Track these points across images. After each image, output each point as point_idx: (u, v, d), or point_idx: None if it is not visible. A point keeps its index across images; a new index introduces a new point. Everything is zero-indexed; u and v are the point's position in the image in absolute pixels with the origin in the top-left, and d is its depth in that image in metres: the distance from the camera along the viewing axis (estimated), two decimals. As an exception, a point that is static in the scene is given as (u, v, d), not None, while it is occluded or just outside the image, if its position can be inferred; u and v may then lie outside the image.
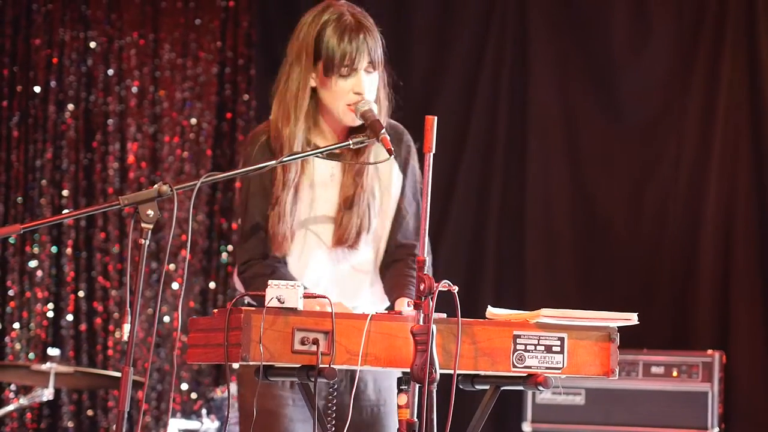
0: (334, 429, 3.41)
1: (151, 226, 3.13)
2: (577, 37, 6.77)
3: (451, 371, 3.06)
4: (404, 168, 3.77)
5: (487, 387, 3.31)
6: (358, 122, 3.59)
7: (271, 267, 3.60)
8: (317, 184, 3.66)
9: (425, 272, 3.02)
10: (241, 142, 3.81)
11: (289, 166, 3.62)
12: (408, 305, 3.45)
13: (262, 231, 3.64)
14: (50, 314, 7.33)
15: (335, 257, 3.67)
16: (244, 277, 3.65)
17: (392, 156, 3.46)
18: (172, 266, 7.35)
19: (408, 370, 3.00)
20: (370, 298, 3.69)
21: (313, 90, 3.65)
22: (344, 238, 3.65)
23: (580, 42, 6.76)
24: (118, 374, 5.80)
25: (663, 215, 6.55)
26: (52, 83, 7.43)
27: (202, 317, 3.29)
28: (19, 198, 7.38)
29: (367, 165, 3.65)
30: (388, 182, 3.73)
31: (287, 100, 3.63)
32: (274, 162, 3.43)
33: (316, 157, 3.57)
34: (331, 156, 3.57)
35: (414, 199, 3.79)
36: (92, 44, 7.46)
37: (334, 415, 3.46)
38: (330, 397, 3.45)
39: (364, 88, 3.59)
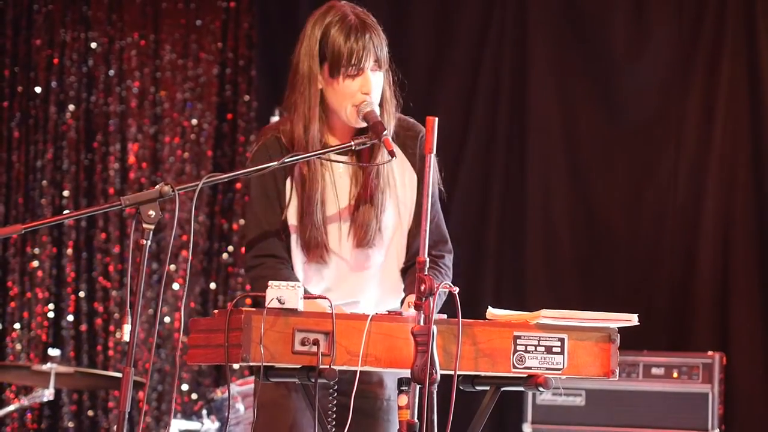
0: (334, 430, 3.41)
1: (152, 227, 3.13)
2: (577, 37, 6.77)
3: (452, 372, 3.07)
4: (420, 167, 3.74)
5: (487, 388, 3.31)
6: (363, 124, 3.58)
7: (275, 269, 3.59)
8: (334, 187, 3.65)
9: (425, 273, 3.02)
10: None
11: (313, 171, 3.61)
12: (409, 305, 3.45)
13: (270, 232, 3.63)
14: (51, 315, 7.33)
15: (346, 257, 3.66)
16: (251, 275, 3.64)
17: (394, 157, 3.46)
18: (173, 267, 7.36)
19: (408, 371, 3.00)
20: (374, 298, 3.68)
21: (322, 92, 3.64)
22: (365, 239, 3.63)
23: (579, 42, 6.76)
24: (118, 375, 5.80)
25: (662, 216, 6.55)
26: (53, 84, 7.43)
27: (202, 318, 3.30)
28: (20, 198, 7.39)
29: (379, 165, 3.64)
30: (402, 182, 3.69)
31: (298, 105, 3.62)
32: (275, 163, 3.42)
33: (320, 158, 3.57)
34: (338, 157, 3.57)
35: (433, 199, 3.75)
36: (93, 45, 7.46)
37: (334, 416, 3.46)
38: (330, 397, 3.45)
39: (371, 87, 3.58)
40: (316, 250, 3.60)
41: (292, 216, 3.62)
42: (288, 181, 3.63)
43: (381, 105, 3.64)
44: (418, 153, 3.69)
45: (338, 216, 3.63)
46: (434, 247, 3.68)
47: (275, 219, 3.63)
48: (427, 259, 3.06)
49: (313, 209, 3.60)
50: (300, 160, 3.51)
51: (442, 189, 3.76)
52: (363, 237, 3.62)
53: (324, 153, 3.50)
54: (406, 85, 3.74)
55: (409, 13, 7.02)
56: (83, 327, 7.32)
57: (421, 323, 2.99)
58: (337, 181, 3.64)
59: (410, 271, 3.69)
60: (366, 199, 3.62)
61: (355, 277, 3.65)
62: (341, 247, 3.63)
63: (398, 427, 3.54)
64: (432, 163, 3.10)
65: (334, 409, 3.41)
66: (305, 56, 3.62)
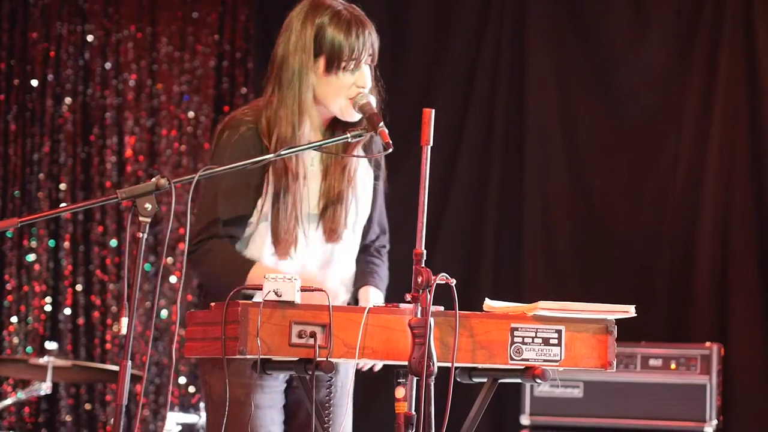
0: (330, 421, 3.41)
1: (148, 220, 3.13)
2: (576, 31, 6.76)
3: (449, 364, 3.07)
4: (375, 166, 3.79)
5: (484, 380, 3.31)
6: (358, 116, 3.59)
7: (223, 242, 3.58)
8: (306, 182, 3.67)
9: (422, 265, 3.02)
10: (218, 127, 3.73)
11: (288, 167, 3.62)
12: (367, 293, 3.56)
13: (220, 223, 3.62)
14: (48, 308, 7.33)
15: (315, 252, 3.68)
16: (194, 256, 3.62)
17: (390, 150, 3.46)
18: (170, 260, 7.35)
19: (406, 363, 3.00)
20: (334, 290, 3.70)
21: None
22: (337, 233, 3.66)
23: (578, 36, 6.76)
24: (116, 368, 5.80)
25: (661, 208, 6.55)
26: (50, 77, 7.42)
27: (199, 311, 3.30)
28: (17, 192, 7.38)
29: (356, 158, 3.67)
30: (362, 179, 3.74)
31: (287, 100, 3.61)
32: (271, 156, 3.42)
33: (318, 150, 3.57)
34: (322, 148, 3.58)
35: (381, 197, 3.83)
36: (89, 38, 7.45)
37: (331, 408, 3.46)
38: (328, 389, 3.45)
39: (366, 81, 3.61)
40: (286, 244, 3.61)
41: (266, 210, 3.63)
42: (264, 176, 3.64)
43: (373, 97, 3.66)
44: (373, 151, 3.74)
45: (309, 211, 3.66)
46: (378, 238, 3.79)
47: (240, 212, 3.63)
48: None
49: (286, 204, 3.60)
50: (295, 152, 3.51)
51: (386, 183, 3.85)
52: (333, 232, 3.65)
53: (318, 145, 3.50)
54: (399, 81, 3.76)
55: (408, 7, 7.01)
56: (80, 320, 7.31)
57: (419, 315, 2.99)
58: (309, 177, 3.65)
59: (360, 260, 3.80)
60: (336, 194, 3.65)
61: (323, 271, 3.67)
62: (311, 242, 3.64)
63: (351, 411, 3.59)
64: (427, 156, 3.09)
65: (331, 401, 3.41)
66: (296, 51, 3.62)
